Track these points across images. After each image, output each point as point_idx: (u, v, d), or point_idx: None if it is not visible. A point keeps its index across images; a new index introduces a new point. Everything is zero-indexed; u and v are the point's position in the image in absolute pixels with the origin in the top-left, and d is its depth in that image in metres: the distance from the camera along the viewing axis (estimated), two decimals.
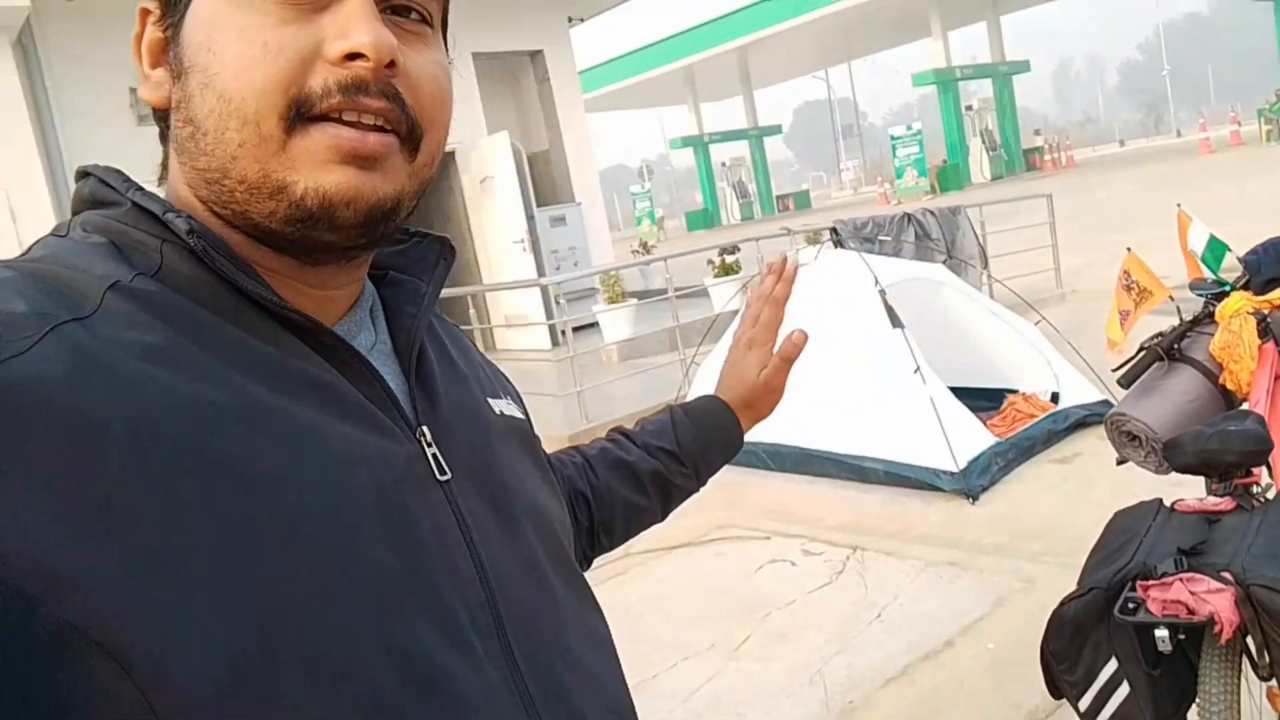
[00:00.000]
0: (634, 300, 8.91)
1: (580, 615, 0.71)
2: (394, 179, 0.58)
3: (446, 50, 0.64)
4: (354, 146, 0.55)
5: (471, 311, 7.32)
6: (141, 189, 0.59)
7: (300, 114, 0.54)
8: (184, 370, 0.51)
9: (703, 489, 1.06)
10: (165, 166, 0.62)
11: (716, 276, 9.19)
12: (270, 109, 0.54)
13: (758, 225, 30.81)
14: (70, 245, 0.57)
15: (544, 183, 11.20)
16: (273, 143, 0.54)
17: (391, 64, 0.55)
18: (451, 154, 10.10)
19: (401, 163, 0.58)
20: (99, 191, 0.60)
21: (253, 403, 0.53)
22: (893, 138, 33.11)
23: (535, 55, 11.03)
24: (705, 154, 38.53)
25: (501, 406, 0.75)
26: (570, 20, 11.60)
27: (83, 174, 0.62)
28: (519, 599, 0.63)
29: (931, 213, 7.98)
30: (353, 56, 0.54)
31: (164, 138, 0.61)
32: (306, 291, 0.61)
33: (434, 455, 0.62)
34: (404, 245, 0.72)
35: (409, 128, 0.58)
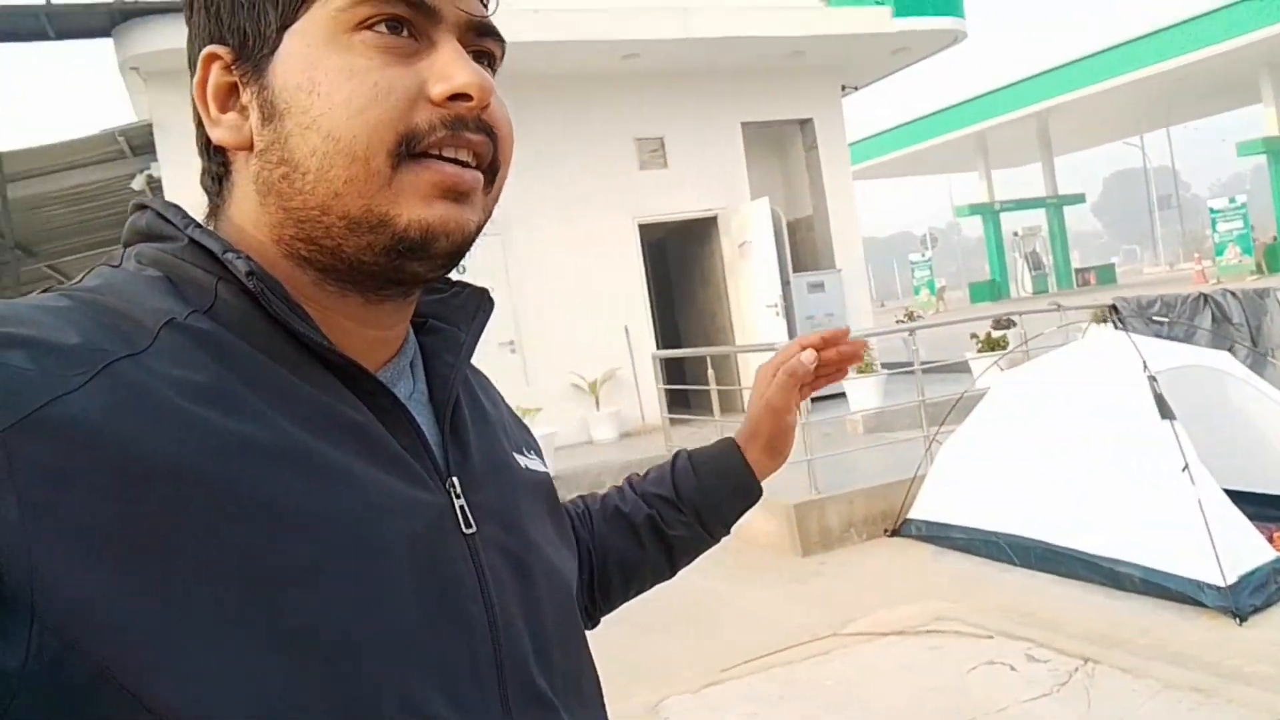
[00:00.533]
0: (884, 371, 8.64)
1: (577, 676, 0.71)
2: (478, 211, 0.61)
3: None
4: (454, 182, 0.58)
5: (710, 372, 7.37)
6: (200, 226, 0.60)
7: (407, 150, 0.57)
8: (233, 412, 0.51)
9: (722, 538, 0.99)
10: (215, 209, 0.64)
11: (980, 351, 8.72)
12: (380, 145, 0.56)
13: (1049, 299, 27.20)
14: (125, 277, 0.58)
15: (805, 249, 11.21)
16: (379, 178, 0.57)
17: (486, 105, 0.60)
18: (713, 218, 10.39)
19: (481, 196, 0.62)
20: (155, 225, 0.61)
21: (297, 447, 0.53)
22: (1212, 211, 28.78)
23: (805, 123, 11.11)
24: (995, 222, 35.94)
25: (527, 461, 0.75)
26: (844, 89, 11.59)
27: (139, 206, 0.63)
28: (520, 656, 0.63)
29: (1234, 294, 7.14)
30: (455, 97, 0.58)
31: (217, 179, 0.63)
32: (359, 333, 0.63)
33: (461, 507, 0.62)
34: (444, 294, 0.74)
35: (491, 163, 0.62)
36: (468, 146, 0.59)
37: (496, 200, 0.65)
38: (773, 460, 0.97)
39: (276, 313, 0.56)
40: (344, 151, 0.56)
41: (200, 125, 0.62)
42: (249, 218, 0.61)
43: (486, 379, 0.82)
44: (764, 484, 0.90)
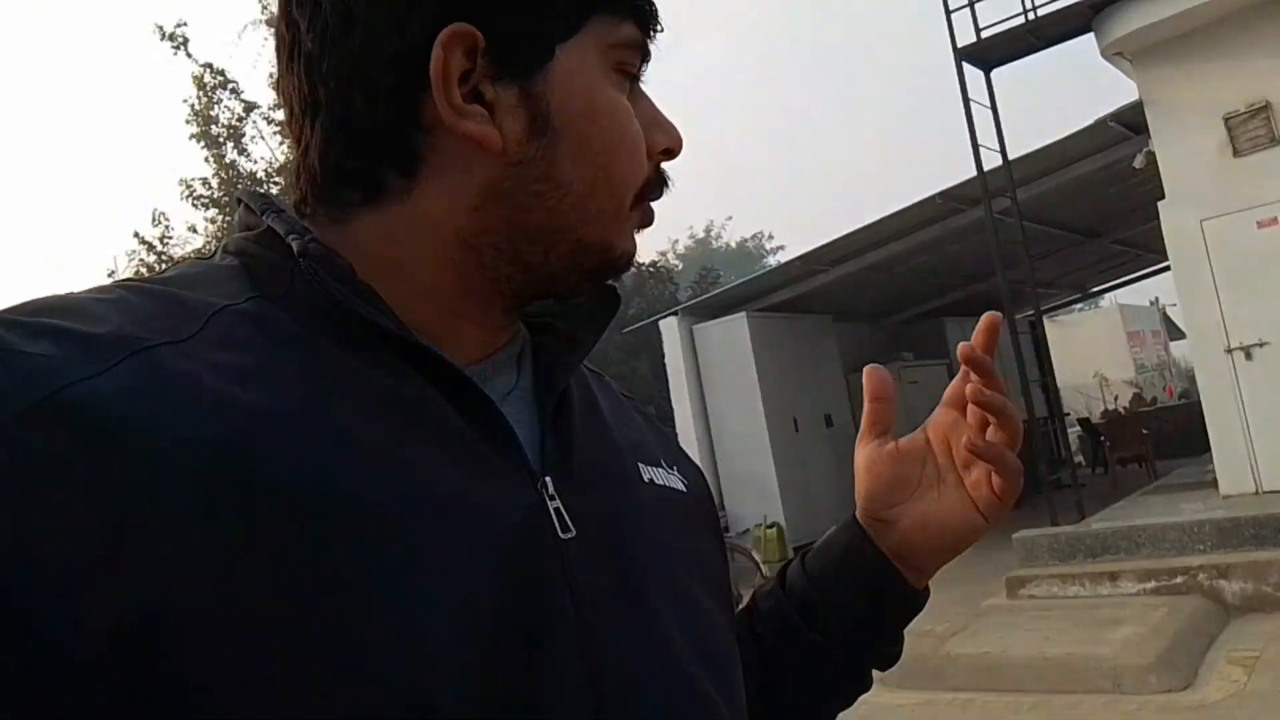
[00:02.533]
0: None
1: None
2: None
3: None
4: (651, 219, 0.64)
5: None
6: (280, 211, 0.57)
7: (639, 196, 0.61)
8: (274, 393, 0.47)
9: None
10: (377, 189, 0.57)
11: None
12: (631, 189, 0.60)
13: None
14: (202, 267, 0.56)
15: None
16: (622, 215, 0.60)
17: None
18: None
19: None
20: (244, 216, 0.59)
21: (346, 428, 0.48)
22: None
23: None
24: None
25: (654, 474, 0.67)
26: None
27: (236, 200, 0.61)
28: (626, 690, 0.53)
29: None
30: (668, 152, 0.62)
31: (404, 161, 0.56)
32: (470, 334, 0.60)
33: (556, 509, 0.55)
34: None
35: None
36: (657, 196, 0.64)
37: None
38: (899, 516, 0.74)
39: (334, 293, 0.52)
40: (612, 188, 0.59)
41: (379, 96, 0.55)
42: (442, 213, 0.57)
43: (616, 387, 0.76)
44: None
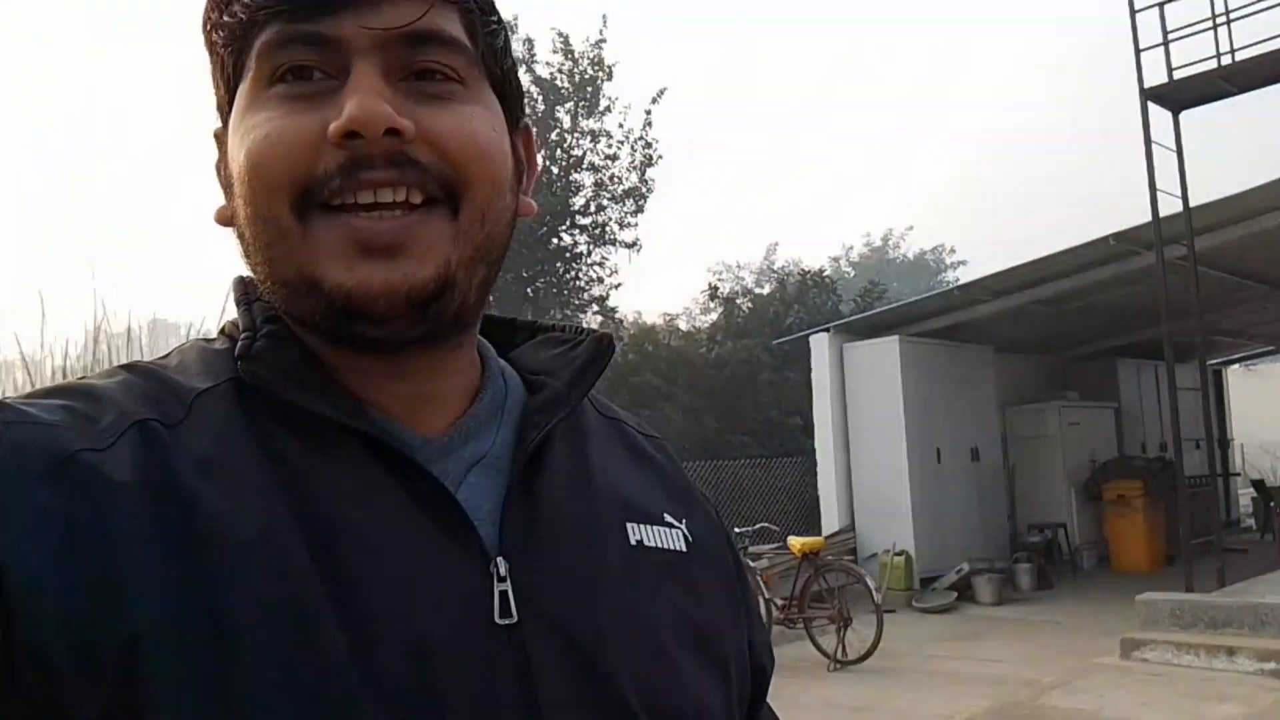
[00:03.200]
0: None
1: None
2: (433, 255, 0.55)
3: (512, 102, 0.62)
4: (366, 238, 0.53)
5: None
6: (255, 302, 0.59)
7: (310, 202, 0.53)
8: (228, 491, 0.51)
9: None
10: None
11: None
12: (280, 201, 0.53)
13: None
14: (198, 350, 0.60)
15: None
16: (293, 236, 0.54)
17: (395, 132, 0.53)
18: None
19: (440, 231, 0.55)
20: (235, 297, 0.62)
21: (297, 525, 0.51)
22: None
23: None
24: None
25: (646, 534, 0.64)
26: None
27: (238, 278, 0.63)
28: None
29: None
30: (351, 135, 0.52)
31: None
32: (396, 389, 0.59)
33: (503, 592, 0.55)
34: (563, 348, 0.68)
35: (443, 189, 0.55)
36: (370, 187, 0.53)
37: (481, 224, 0.57)
38: None
39: (276, 389, 0.55)
40: (257, 215, 0.55)
41: None
42: None
43: (639, 428, 0.75)
44: None
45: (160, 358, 0.61)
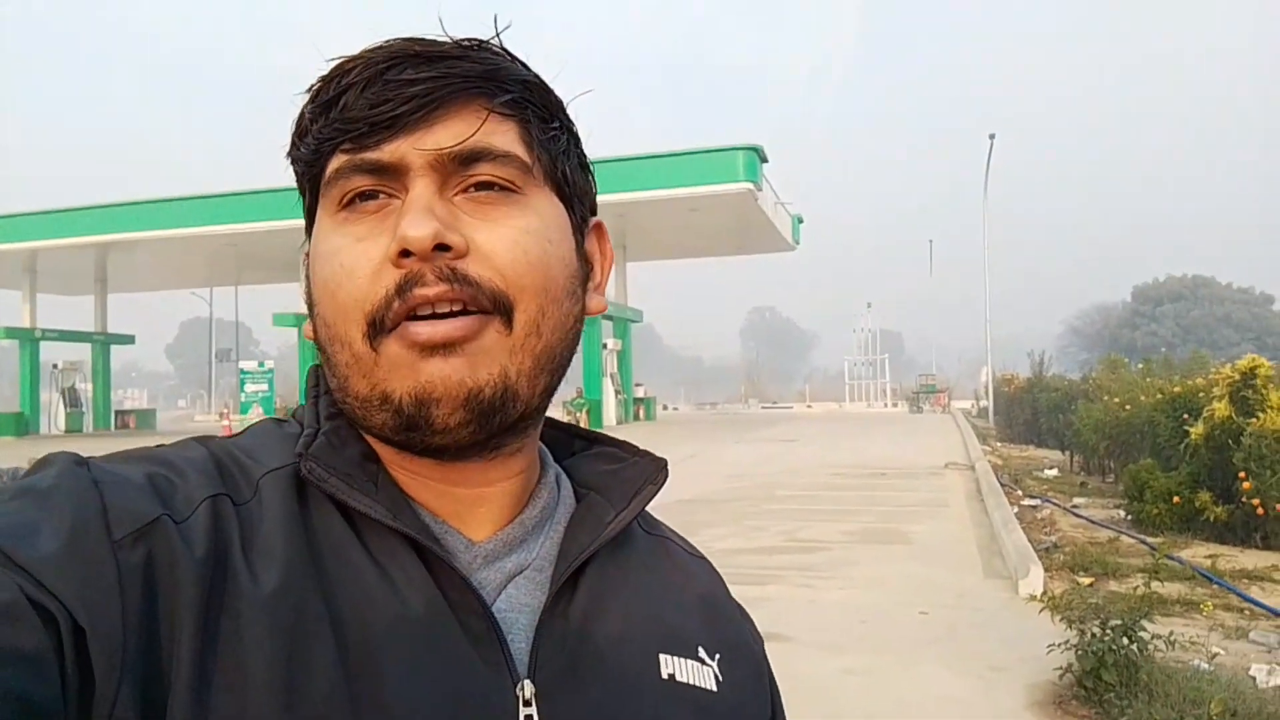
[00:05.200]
0: None
1: None
2: (489, 360, 0.56)
3: (577, 202, 0.64)
4: (426, 337, 0.55)
5: None
6: (328, 393, 0.62)
7: (379, 327, 0.55)
8: (279, 573, 0.53)
9: None
10: None
11: None
12: (355, 328, 0.56)
13: (84, 440, 28.35)
14: (270, 434, 0.63)
15: None
16: (366, 360, 0.56)
17: (444, 247, 0.55)
18: None
19: (496, 340, 0.57)
20: (308, 388, 0.65)
21: (328, 617, 0.53)
22: (242, 372, 33.46)
23: None
24: (33, 350, 33.23)
25: (679, 668, 0.63)
26: None
27: (312, 368, 0.65)
28: None
29: None
30: (404, 253, 0.54)
31: None
32: (450, 492, 0.61)
33: (527, 716, 0.56)
34: (620, 464, 0.69)
35: (494, 303, 0.56)
36: (423, 304, 0.55)
37: (539, 336, 0.58)
38: None
39: (331, 490, 0.57)
40: (334, 338, 0.57)
41: None
42: None
43: (685, 548, 0.74)
44: None
45: (235, 435, 0.64)
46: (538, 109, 0.60)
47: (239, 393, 33.62)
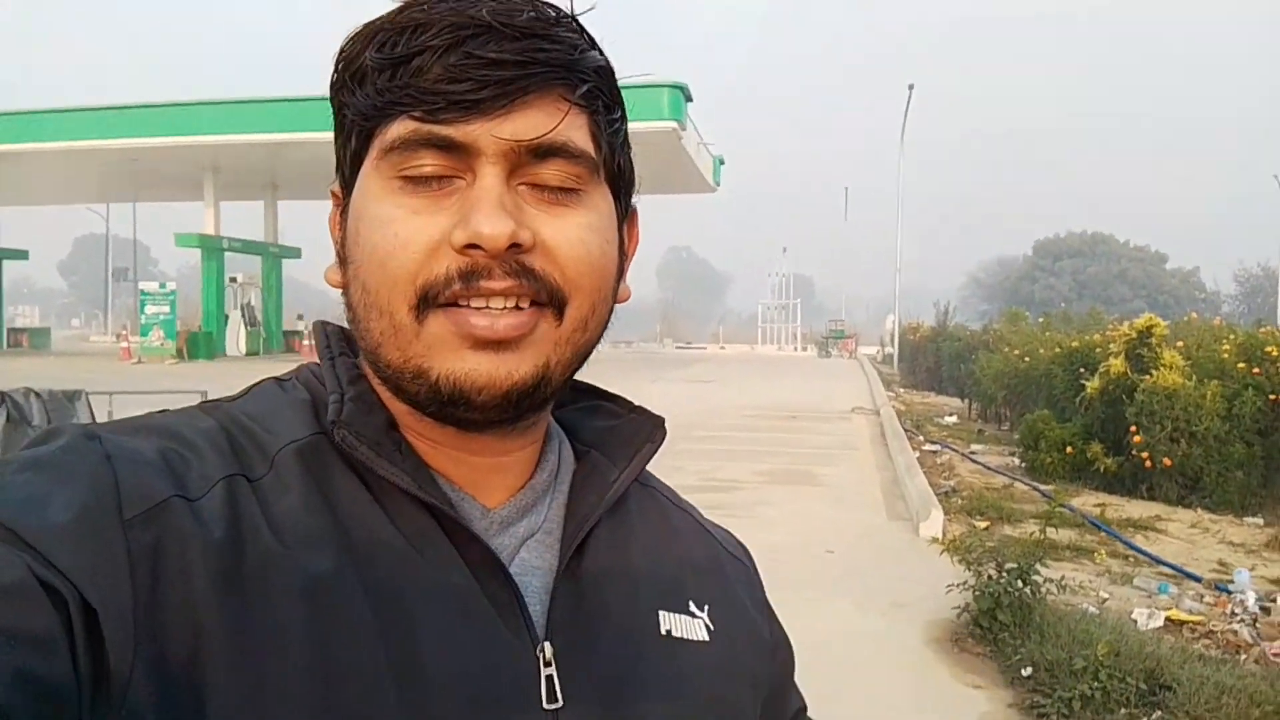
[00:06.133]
0: None
1: None
2: (537, 353, 0.57)
3: (624, 193, 0.63)
4: (483, 334, 0.55)
5: None
6: (340, 356, 0.62)
7: (429, 301, 0.54)
8: (309, 549, 0.53)
9: None
10: None
11: None
12: (401, 300, 0.55)
13: None
14: (276, 399, 0.62)
15: None
16: (407, 331, 0.55)
17: (515, 245, 0.54)
18: None
19: (547, 332, 0.57)
20: (320, 346, 0.64)
21: (359, 582, 0.53)
22: (142, 293, 31.32)
23: None
24: None
25: (674, 623, 0.65)
26: None
27: (320, 325, 0.65)
28: None
29: (37, 394, 5.92)
30: (472, 245, 0.54)
31: None
32: (467, 461, 0.61)
33: (549, 676, 0.57)
34: (618, 421, 0.69)
35: (550, 296, 0.56)
36: (486, 296, 0.54)
37: (583, 331, 0.59)
38: None
39: (360, 456, 0.56)
40: (374, 305, 0.56)
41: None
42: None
43: (672, 499, 0.75)
44: None
45: (239, 398, 0.63)
46: (606, 98, 0.59)
47: (138, 314, 31.95)
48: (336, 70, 0.58)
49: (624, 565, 0.64)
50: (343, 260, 0.59)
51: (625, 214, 0.64)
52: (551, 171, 0.56)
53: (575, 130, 0.57)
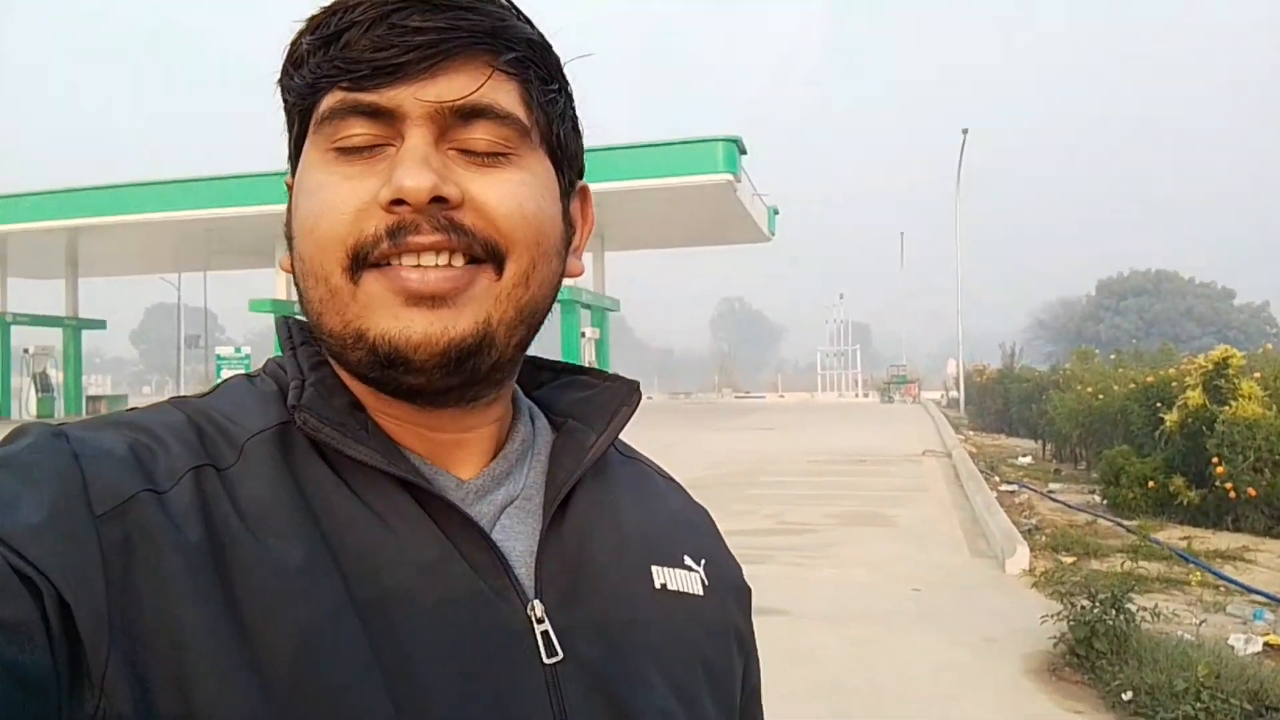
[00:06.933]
0: None
1: None
2: (476, 309, 0.56)
3: (566, 165, 0.63)
4: (414, 288, 0.54)
5: None
6: (305, 343, 0.62)
7: (360, 262, 0.55)
8: (283, 536, 0.53)
9: None
10: None
11: None
12: (334, 262, 0.55)
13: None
14: (243, 391, 0.62)
15: None
16: (343, 294, 0.55)
17: (441, 198, 0.54)
18: None
19: (483, 289, 0.57)
20: (282, 339, 0.64)
21: (335, 566, 0.53)
22: (219, 358, 31.73)
23: None
24: (4, 335, 32.79)
25: (668, 577, 0.66)
26: None
27: (282, 319, 0.65)
28: None
29: None
30: (397, 201, 0.54)
31: None
32: (431, 437, 0.61)
33: (545, 633, 0.58)
34: (594, 390, 0.71)
35: (487, 251, 0.56)
36: (415, 251, 0.54)
37: (525, 286, 0.58)
38: None
39: (325, 438, 0.56)
40: (310, 272, 0.56)
41: None
42: None
43: (656, 471, 0.77)
44: None
45: (208, 395, 0.63)
46: (540, 69, 0.60)
47: (215, 378, 32.48)
48: (281, 69, 0.60)
49: (612, 525, 0.65)
50: (289, 242, 0.60)
51: (572, 189, 0.65)
52: (479, 135, 0.57)
53: (502, 94, 0.57)
